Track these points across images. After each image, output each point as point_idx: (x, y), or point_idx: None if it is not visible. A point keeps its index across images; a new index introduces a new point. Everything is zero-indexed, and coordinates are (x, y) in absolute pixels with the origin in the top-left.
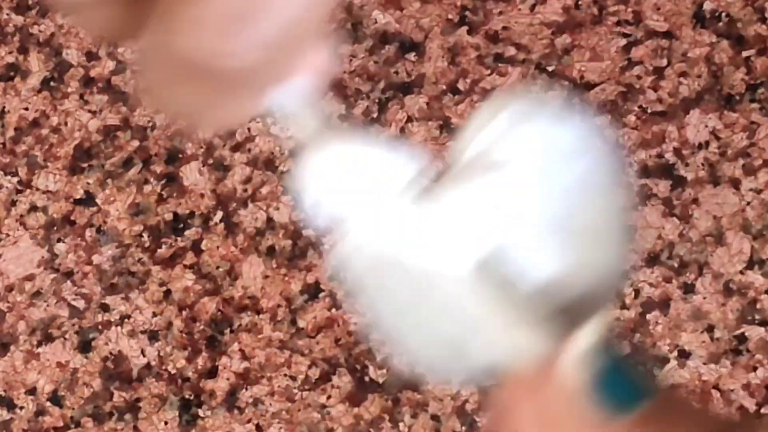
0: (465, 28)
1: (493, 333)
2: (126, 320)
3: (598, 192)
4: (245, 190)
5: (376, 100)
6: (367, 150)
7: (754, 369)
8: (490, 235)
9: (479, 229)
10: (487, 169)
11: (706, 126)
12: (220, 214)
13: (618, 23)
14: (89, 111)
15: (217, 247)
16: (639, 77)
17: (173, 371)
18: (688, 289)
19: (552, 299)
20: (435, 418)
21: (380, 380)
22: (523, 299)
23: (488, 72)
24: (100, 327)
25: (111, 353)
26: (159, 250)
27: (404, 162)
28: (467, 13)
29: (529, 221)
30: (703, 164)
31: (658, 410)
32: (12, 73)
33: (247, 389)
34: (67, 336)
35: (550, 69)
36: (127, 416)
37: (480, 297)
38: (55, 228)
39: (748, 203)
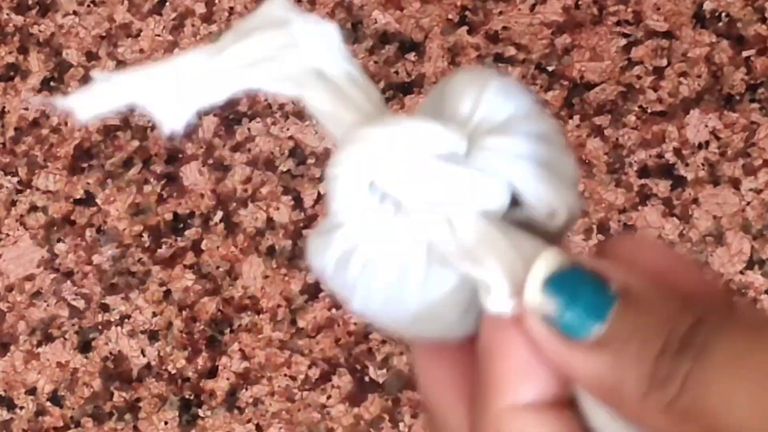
0: (465, 28)
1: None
2: (126, 320)
3: (560, 141)
4: (245, 190)
5: None
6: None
7: None
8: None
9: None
10: (495, 131)
11: (706, 126)
12: (220, 214)
13: (618, 23)
14: None
15: (217, 247)
16: (639, 77)
17: (173, 371)
18: None
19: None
20: None
21: (380, 380)
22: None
23: None
24: (100, 327)
25: (111, 353)
26: (159, 250)
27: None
28: (467, 13)
29: (534, 168)
30: (703, 164)
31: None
32: (12, 73)
33: (247, 389)
34: (67, 336)
35: (550, 69)
36: (127, 416)
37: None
38: (55, 228)
39: (748, 203)
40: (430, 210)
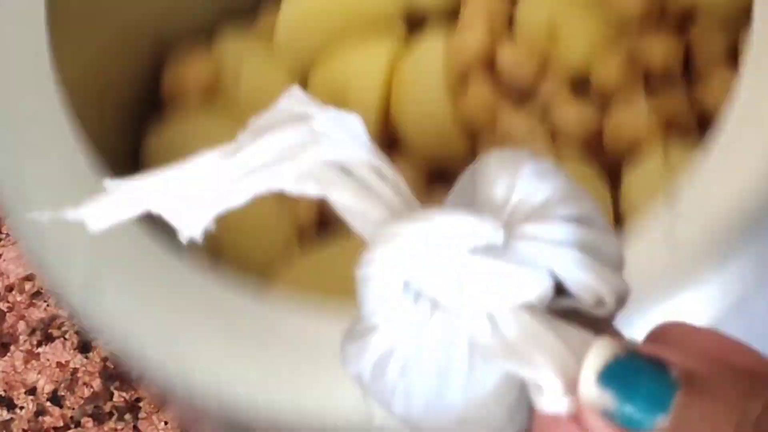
0: None
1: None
2: None
3: (602, 222)
4: None
5: None
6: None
7: None
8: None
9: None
10: (533, 217)
11: None
12: None
13: None
14: None
15: None
16: None
17: None
18: None
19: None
20: None
21: None
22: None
23: None
24: None
25: (111, 353)
26: None
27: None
28: None
29: (577, 252)
30: None
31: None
32: None
33: None
34: (67, 336)
35: None
36: (127, 416)
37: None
38: None
39: None
40: (469, 306)
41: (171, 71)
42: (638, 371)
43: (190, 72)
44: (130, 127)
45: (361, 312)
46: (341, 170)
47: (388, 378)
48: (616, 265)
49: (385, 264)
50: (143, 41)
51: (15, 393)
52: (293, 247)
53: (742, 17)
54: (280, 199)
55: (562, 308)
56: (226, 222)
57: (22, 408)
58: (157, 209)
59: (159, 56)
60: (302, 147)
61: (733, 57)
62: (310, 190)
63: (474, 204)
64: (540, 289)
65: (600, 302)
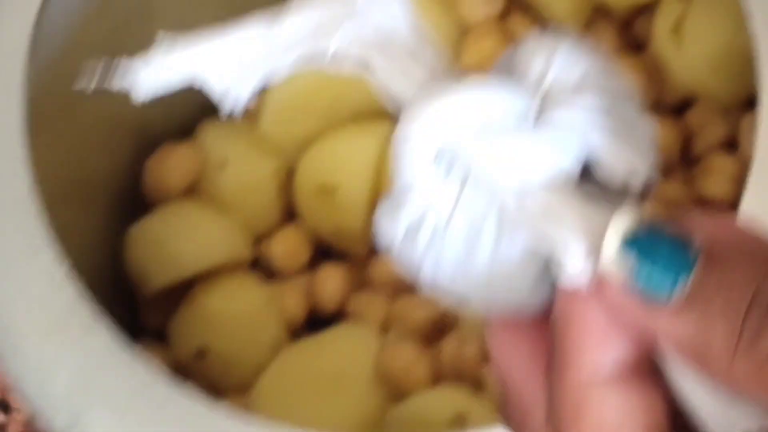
0: None
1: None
2: None
3: (637, 99)
4: None
5: None
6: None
7: None
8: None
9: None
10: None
11: None
12: None
13: None
14: None
15: None
16: None
17: None
18: None
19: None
20: None
21: None
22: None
23: None
24: None
25: None
26: None
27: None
28: None
29: (610, 133)
30: None
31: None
32: None
33: None
34: None
35: None
36: None
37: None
38: None
39: None
40: (501, 175)
41: (154, 161)
42: (660, 239)
43: (173, 161)
44: (111, 221)
45: (396, 182)
46: (384, 39)
47: (418, 245)
48: (647, 145)
49: (421, 130)
50: (124, 137)
51: (10, 396)
52: (283, 344)
53: (741, 104)
54: (269, 297)
55: (588, 191)
56: (215, 322)
57: (17, 411)
58: (201, 77)
59: (140, 153)
60: (345, 17)
61: (731, 143)
62: (353, 55)
63: (512, 79)
64: (571, 160)
65: (633, 174)
